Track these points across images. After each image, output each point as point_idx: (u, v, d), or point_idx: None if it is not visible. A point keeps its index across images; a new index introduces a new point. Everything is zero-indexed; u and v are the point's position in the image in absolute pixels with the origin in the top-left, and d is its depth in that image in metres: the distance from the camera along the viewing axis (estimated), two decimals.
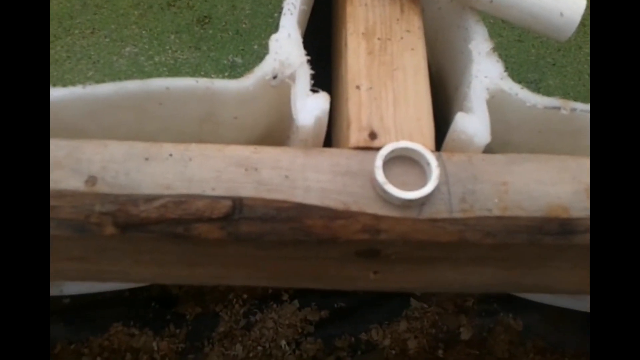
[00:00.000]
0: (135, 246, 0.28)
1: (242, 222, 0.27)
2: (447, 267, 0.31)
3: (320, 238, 0.27)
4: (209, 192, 0.27)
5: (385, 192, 0.27)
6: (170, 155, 0.28)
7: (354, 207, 0.28)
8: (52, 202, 0.26)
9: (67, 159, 0.27)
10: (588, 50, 0.39)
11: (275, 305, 0.74)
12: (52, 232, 0.26)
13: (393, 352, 0.71)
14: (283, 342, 0.72)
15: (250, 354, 0.72)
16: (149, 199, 0.26)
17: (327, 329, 0.72)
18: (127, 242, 0.28)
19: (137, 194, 0.26)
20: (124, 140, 0.28)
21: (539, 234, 0.28)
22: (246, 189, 0.27)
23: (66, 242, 0.28)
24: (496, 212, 0.28)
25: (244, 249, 0.28)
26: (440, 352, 0.71)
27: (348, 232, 0.27)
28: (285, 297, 0.75)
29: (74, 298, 0.71)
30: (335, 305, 0.74)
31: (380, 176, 0.27)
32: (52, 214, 0.26)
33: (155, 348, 0.71)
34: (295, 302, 0.74)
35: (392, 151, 0.28)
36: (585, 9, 0.31)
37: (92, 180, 0.27)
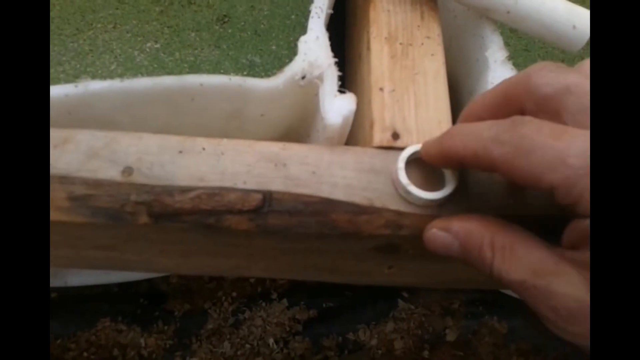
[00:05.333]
0: (164, 236, 0.29)
1: (271, 215, 0.28)
2: (460, 264, 0.32)
3: (344, 232, 0.29)
4: (240, 186, 0.28)
5: (408, 192, 0.29)
6: (204, 149, 0.28)
7: (378, 203, 0.29)
8: (89, 191, 0.27)
9: (104, 150, 0.28)
10: None
11: (264, 304, 0.75)
12: (86, 219, 0.27)
13: (380, 352, 0.73)
14: (271, 341, 0.73)
15: (238, 352, 0.72)
16: (184, 190, 0.27)
17: (315, 328, 0.73)
18: (158, 232, 0.28)
19: (173, 185, 0.27)
20: (157, 134, 0.29)
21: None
22: (276, 183, 0.28)
23: (97, 231, 0.28)
24: (510, 211, 0.29)
25: (269, 241, 0.30)
26: (425, 353, 0.73)
27: (371, 227, 0.29)
28: (274, 295, 0.75)
29: (61, 292, 0.70)
30: (324, 305, 0.75)
31: (403, 177, 0.29)
32: (88, 202, 0.27)
33: (143, 344, 0.71)
34: (284, 301, 0.75)
35: (413, 153, 0.30)
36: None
37: (128, 170, 0.27)
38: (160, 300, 0.74)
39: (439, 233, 0.27)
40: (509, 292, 0.64)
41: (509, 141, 0.23)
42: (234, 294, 0.76)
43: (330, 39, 0.33)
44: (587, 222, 0.22)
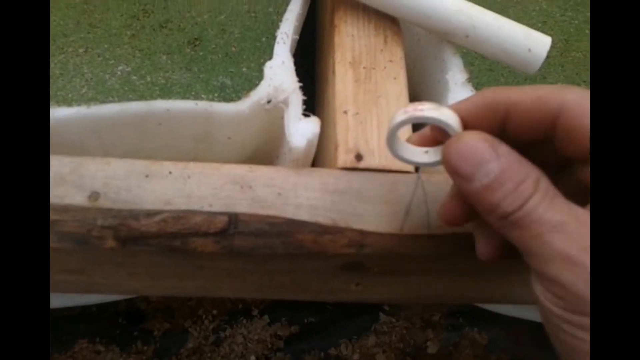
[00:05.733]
0: (131, 259, 0.29)
1: (237, 237, 0.29)
2: (424, 279, 0.33)
3: (309, 252, 0.29)
4: (206, 208, 0.29)
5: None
6: (170, 172, 0.29)
7: (342, 223, 0.30)
8: (56, 216, 0.27)
9: (71, 175, 0.28)
10: (551, 80, 0.43)
11: (245, 321, 0.75)
12: (53, 244, 0.28)
13: None
14: (252, 358, 0.73)
15: None
16: (150, 214, 0.28)
17: (297, 344, 0.74)
18: (125, 255, 0.29)
19: (139, 209, 0.28)
20: (125, 158, 0.29)
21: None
22: (242, 205, 0.29)
23: (65, 255, 0.29)
24: (470, 229, 0.30)
25: (235, 262, 0.30)
26: None
27: (336, 246, 0.29)
28: (255, 312, 0.76)
29: None
30: (305, 320, 0.75)
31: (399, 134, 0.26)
32: (55, 228, 0.27)
33: None
34: (266, 317, 0.75)
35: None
36: (552, 45, 0.34)
37: (95, 195, 0.28)
38: (139, 319, 0.74)
39: (482, 145, 0.23)
40: (487, 306, 0.65)
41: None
42: (215, 312, 0.76)
43: (303, 64, 0.34)
44: None
